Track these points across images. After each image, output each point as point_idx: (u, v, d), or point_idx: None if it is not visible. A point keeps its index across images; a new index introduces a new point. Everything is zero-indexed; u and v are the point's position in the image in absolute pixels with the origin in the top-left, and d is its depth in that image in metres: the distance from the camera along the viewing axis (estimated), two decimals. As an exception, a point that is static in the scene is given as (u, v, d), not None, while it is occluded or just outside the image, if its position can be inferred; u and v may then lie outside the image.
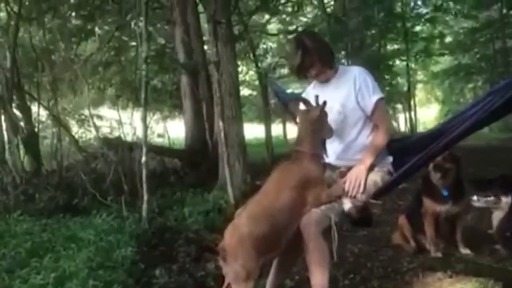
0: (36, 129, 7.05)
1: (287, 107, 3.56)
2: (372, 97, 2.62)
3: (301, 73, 2.70)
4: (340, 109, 2.66)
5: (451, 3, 15.87)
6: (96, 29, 9.47)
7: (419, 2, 16.93)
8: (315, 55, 2.60)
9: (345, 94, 2.66)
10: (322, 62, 2.64)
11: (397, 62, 18.27)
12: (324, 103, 2.52)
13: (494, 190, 3.09)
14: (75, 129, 7.60)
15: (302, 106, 2.66)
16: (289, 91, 4.39)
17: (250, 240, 2.28)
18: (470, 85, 22.17)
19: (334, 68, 2.73)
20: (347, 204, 2.48)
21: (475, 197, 3.13)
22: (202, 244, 2.79)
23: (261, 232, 2.30)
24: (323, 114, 2.55)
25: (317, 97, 2.57)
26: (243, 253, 2.27)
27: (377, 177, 2.61)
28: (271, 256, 2.44)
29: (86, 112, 7.50)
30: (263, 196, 2.47)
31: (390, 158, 2.74)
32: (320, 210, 2.40)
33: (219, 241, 2.37)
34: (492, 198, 3.07)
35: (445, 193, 3.47)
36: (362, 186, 2.52)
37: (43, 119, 7.46)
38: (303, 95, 2.92)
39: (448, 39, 19.06)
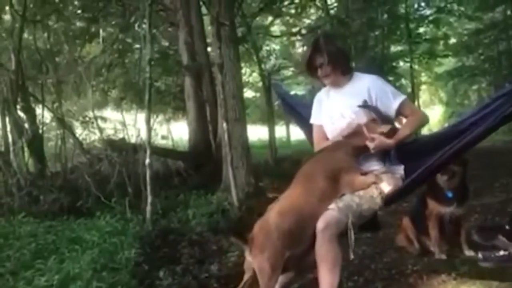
0: (40, 131, 7.06)
1: (291, 109, 3.58)
2: (395, 102, 2.63)
3: (309, 70, 2.74)
4: (353, 116, 2.65)
5: (454, 5, 15.86)
6: (100, 31, 9.50)
7: (423, 4, 16.95)
8: (325, 57, 2.62)
9: (358, 103, 2.64)
10: (332, 65, 2.65)
11: (401, 63, 18.29)
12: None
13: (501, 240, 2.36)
14: (79, 131, 7.58)
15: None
16: (292, 93, 4.39)
17: (277, 234, 2.33)
18: (474, 87, 22.14)
19: (349, 75, 2.74)
20: (386, 188, 2.49)
21: (480, 256, 2.46)
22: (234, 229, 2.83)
23: (288, 226, 2.34)
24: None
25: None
26: (269, 247, 2.31)
27: (390, 184, 2.58)
28: (297, 250, 2.42)
29: (90, 114, 7.49)
30: (293, 190, 2.51)
31: (402, 166, 2.70)
32: (339, 208, 2.38)
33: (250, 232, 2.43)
34: (502, 253, 2.37)
35: (450, 195, 3.46)
36: (371, 147, 2.52)
37: (47, 121, 7.47)
38: (315, 99, 2.93)
39: (452, 40, 19.07)
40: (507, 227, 2.35)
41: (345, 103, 2.68)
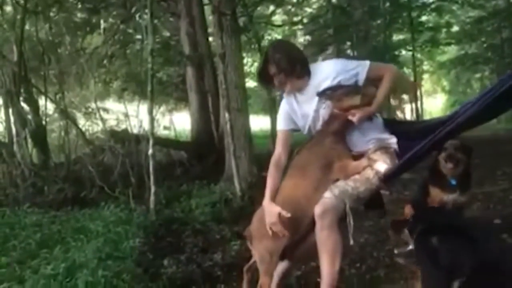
0: (43, 122, 7.09)
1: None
2: (362, 73, 2.56)
3: (263, 81, 2.77)
4: (325, 105, 2.61)
5: (457, -8, 15.74)
6: (101, 22, 9.50)
7: (425, -8, 16.78)
8: (275, 66, 2.60)
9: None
10: (284, 73, 2.62)
11: (403, 52, 18.16)
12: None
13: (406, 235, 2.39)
14: (82, 122, 7.64)
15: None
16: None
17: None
18: (477, 75, 22.05)
19: (307, 76, 2.67)
20: (382, 166, 2.48)
21: (395, 251, 2.54)
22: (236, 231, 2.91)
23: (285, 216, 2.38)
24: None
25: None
26: (267, 236, 2.41)
27: (386, 159, 2.57)
28: (292, 238, 2.46)
29: (93, 105, 7.53)
30: (287, 181, 2.55)
31: (395, 138, 2.67)
32: (335, 196, 2.39)
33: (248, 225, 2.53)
34: (409, 248, 2.39)
35: (453, 182, 3.46)
36: (355, 120, 2.50)
37: (50, 112, 7.51)
38: (284, 106, 2.80)
39: (454, 28, 18.87)
40: (410, 219, 2.40)
41: (317, 100, 2.62)
